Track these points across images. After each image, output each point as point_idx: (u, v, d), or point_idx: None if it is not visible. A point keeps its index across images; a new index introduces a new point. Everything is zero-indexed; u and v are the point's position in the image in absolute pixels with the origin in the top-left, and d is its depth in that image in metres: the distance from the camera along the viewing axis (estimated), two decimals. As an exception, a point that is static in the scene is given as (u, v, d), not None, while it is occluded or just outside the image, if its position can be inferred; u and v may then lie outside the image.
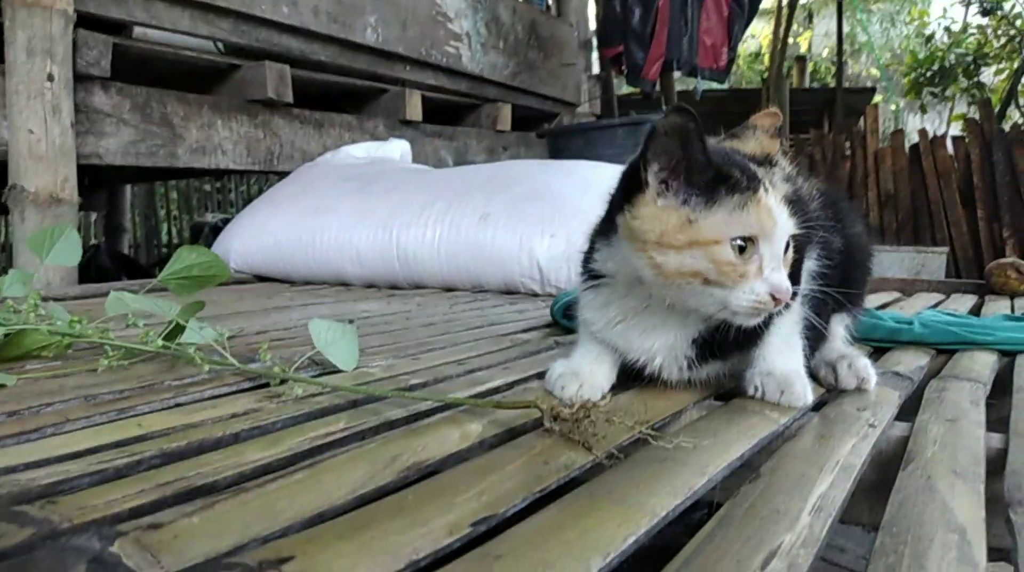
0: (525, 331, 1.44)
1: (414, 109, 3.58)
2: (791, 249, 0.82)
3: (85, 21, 2.34)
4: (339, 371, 1.01)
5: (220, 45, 2.97)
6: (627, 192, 0.82)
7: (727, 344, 0.88)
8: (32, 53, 2.17)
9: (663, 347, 0.89)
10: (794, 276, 0.89)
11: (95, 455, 0.63)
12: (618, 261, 0.86)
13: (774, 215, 0.78)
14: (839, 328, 1.05)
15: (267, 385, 0.92)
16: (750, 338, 0.89)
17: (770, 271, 0.78)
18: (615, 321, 0.90)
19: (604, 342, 0.92)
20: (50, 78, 2.20)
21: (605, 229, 0.89)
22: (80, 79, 2.34)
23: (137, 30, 2.66)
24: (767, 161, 0.83)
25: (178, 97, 2.69)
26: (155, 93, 2.61)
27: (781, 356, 0.90)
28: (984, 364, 1.19)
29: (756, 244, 0.78)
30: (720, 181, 0.78)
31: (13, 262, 2.26)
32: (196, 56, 2.82)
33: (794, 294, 0.89)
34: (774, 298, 0.77)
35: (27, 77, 2.17)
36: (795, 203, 0.89)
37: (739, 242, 0.77)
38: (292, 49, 3.02)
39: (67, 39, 2.25)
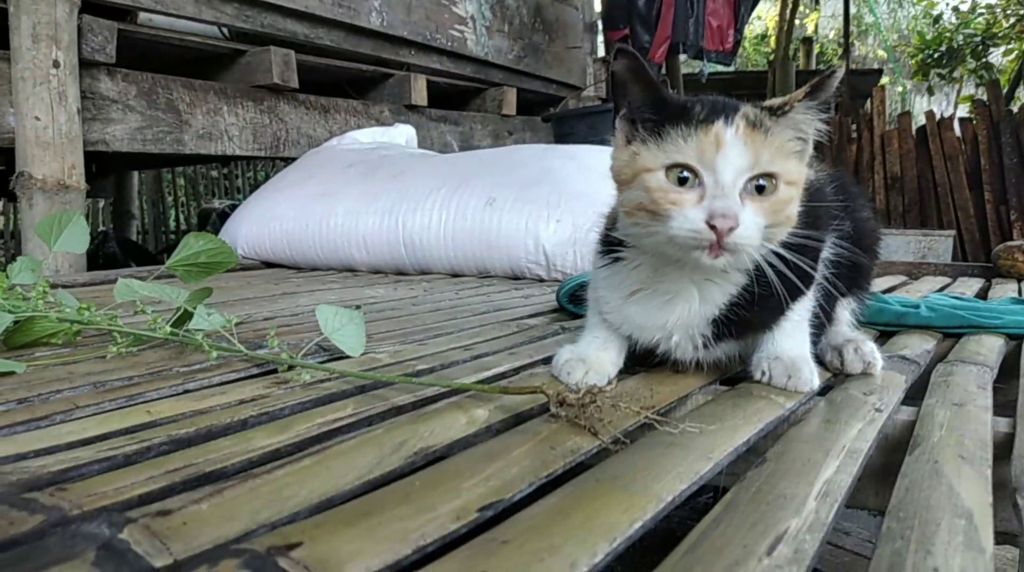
0: (531, 316, 1.44)
1: (419, 94, 3.57)
2: (775, 192, 0.77)
3: (89, 7, 2.34)
4: (346, 357, 1.01)
5: (225, 31, 2.96)
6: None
7: (746, 322, 0.87)
8: (37, 39, 2.17)
9: (680, 323, 0.87)
10: (811, 264, 0.88)
11: (104, 442, 0.64)
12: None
13: (721, 143, 0.75)
14: (845, 313, 1.05)
15: (275, 371, 0.93)
16: (768, 317, 0.88)
17: (711, 199, 0.75)
18: (630, 293, 0.89)
19: (617, 324, 0.92)
20: (56, 64, 2.20)
21: None
22: (86, 65, 2.34)
23: (142, 16, 2.65)
24: (779, 108, 0.79)
25: (184, 83, 2.69)
26: (161, 79, 2.61)
27: (789, 340, 0.90)
28: (991, 348, 1.19)
29: (699, 174, 0.76)
30: (673, 116, 0.78)
31: (22, 249, 2.27)
32: (201, 42, 2.82)
33: (810, 281, 0.89)
34: (712, 227, 0.73)
35: (32, 63, 2.17)
36: (814, 193, 0.88)
37: (679, 173, 0.76)
38: (297, 34, 3.01)
39: (72, 25, 2.25)
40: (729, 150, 0.75)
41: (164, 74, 2.63)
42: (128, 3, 2.47)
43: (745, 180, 0.76)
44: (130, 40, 2.51)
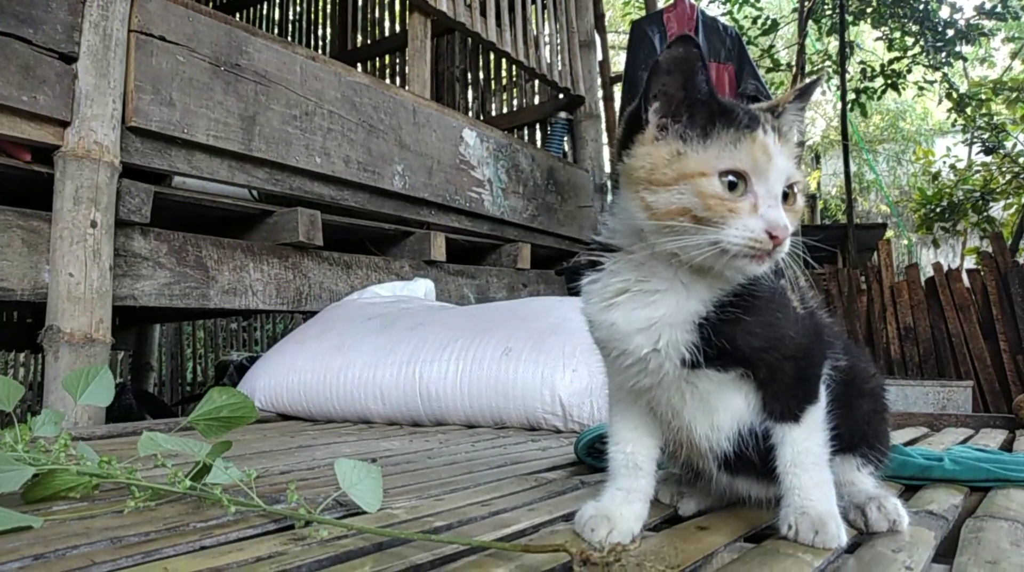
0: (549, 470, 1.43)
1: (438, 250, 3.70)
2: (797, 198, 0.79)
3: (128, 170, 2.48)
4: (364, 512, 1.00)
5: (255, 192, 3.12)
6: (628, 136, 0.82)
7: (734, 336, 0.82)
8: (78, 202, 2.29)
9: (666, 320, 0.82)
10: (813, 385, 0.89)
11: (123, 600, 0.63)
12: (619, 216, 0.85)
13: (769, 152, 0.76)
14: (860, 472, 1.02)
15: (292, 527, 0.92)
16: (759, 339, 0.84)
17: (766, 208, 0.75)
18: (614, 295, 0.85)
19: (602, 338, 0.88)
20: (93, 225, 2.31)
21: (612, 203, 0.89)
22: (121, 225, 2.45)
23: (176, 179, 2.81)
24: (773, 109, 0.82)
25: (213, 242, 2.80)
26: (191, 238, 2.72)
27: (816, 491, 0.87)
28: (1021, 502, 1.16)
29: (748, 181, 0.76)
30: (718, 116, 0.78)
31: (42, 400, 2.29)
32: (232, 203, 2.96)
33: (815, 396, 0.88)
34: (772, 236, 0.74)
35: (71, 224, 2.28)
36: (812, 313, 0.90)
37: (729, 178, 0.75)
38: (323, 196, 3.17)
39: (112, 188, 2.38)
40: (777, 158, 0.77)
41: (194, 232, 2.75)
42: (166, 168, 2.62)
43: (783, 188, 0.78)
44: (164, 201, 2.64)
